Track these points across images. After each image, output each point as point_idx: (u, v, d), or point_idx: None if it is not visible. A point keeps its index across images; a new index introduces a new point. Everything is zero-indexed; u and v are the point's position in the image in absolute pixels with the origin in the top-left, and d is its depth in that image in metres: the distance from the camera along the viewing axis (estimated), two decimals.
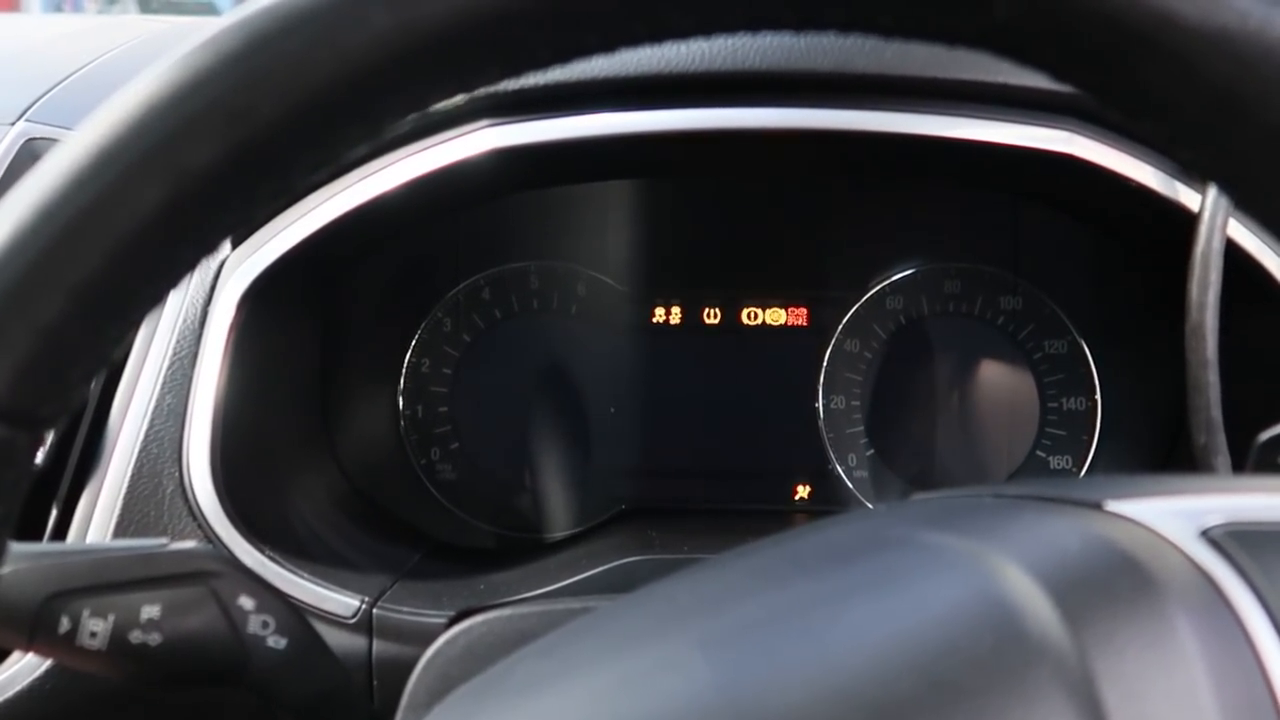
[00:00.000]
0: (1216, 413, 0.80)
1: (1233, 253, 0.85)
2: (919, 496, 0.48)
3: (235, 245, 0.94)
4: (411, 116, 0.38)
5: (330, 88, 0.35)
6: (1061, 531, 0.38)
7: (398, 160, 0.91)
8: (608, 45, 0.37)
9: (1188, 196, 0.86)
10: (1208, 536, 0.36)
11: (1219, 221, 0.82)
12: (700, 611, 0.40)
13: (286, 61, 0.34)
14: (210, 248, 0.37)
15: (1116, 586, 0.34)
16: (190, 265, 0.37)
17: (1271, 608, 0.32)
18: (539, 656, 0.43)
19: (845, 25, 0.38)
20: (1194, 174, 0.42)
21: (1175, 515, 0.37)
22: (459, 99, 0.49)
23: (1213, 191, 0.84)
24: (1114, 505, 0.39)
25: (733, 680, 0.34)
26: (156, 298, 0.37)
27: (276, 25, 0.34)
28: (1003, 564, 0.35)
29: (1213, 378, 0.80)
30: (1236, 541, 0.35)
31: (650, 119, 0.89)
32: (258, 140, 0.35)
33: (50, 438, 0.87)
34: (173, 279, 0.37)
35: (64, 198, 0.34)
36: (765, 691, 0.33)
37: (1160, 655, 0.31)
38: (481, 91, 0.88)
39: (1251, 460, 0.67)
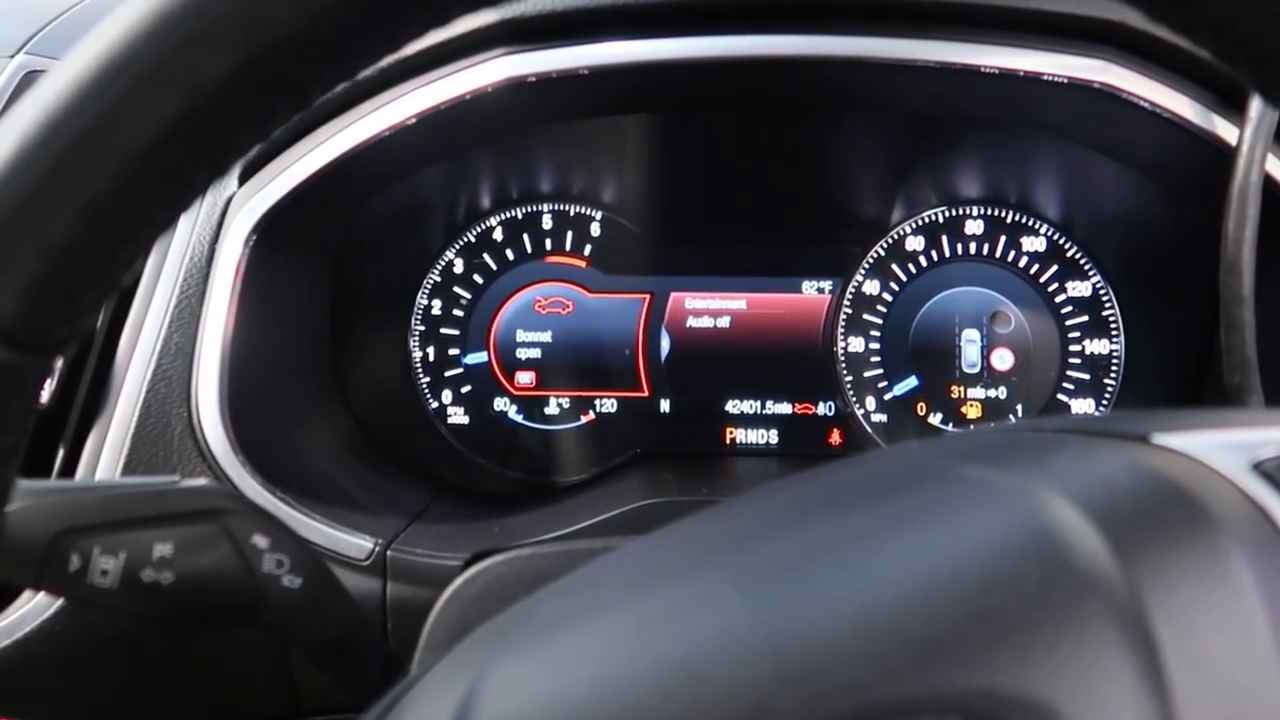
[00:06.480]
0: (1251, 351, 0.78)
1: (1269, 190, 0.82)
2: (953, 432, 0.46)
3: (243, 180, 0.92)
4: (431, 31, 0.36)
5: None
6: (1108, 464, 0.36)
7: (411, 90, 0.88)
8: None
9: (1225, 129, 0.84)
10: (1260, 469, 0.35)
11: (1258, 154, 0.80)
12: (731, 547, 0.39)
13: None
14: (223, 168, 0.36)
15: (1168, 519, 0.32)
16: (203, 186, 0.36)
17: None
18: (563, 594, 0.42)
19: None
20: (1250, 85, 0.40)
21: (1226, 448, 0.36)
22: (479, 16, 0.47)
23: (1252, 123, 0.81)
24: (1161, 438, 0.37)
25: (769, 615, 0.33)
26: (169, 220, 0.36)
27: None
28: (1048, 496, 0.34)
29: (1248, 315, 0.78)
30: None
31: (669, 47, 0.86)
32: (274, 52, 0.33)
33: (58, 368, 0.85)
34: (185, 200, 0.36)
35: (72, 111, 0.32)
36: (804, 626, 0.32)
37: (1214, 589, 0.30)
38: (497, 17, 0.86)
39: None
